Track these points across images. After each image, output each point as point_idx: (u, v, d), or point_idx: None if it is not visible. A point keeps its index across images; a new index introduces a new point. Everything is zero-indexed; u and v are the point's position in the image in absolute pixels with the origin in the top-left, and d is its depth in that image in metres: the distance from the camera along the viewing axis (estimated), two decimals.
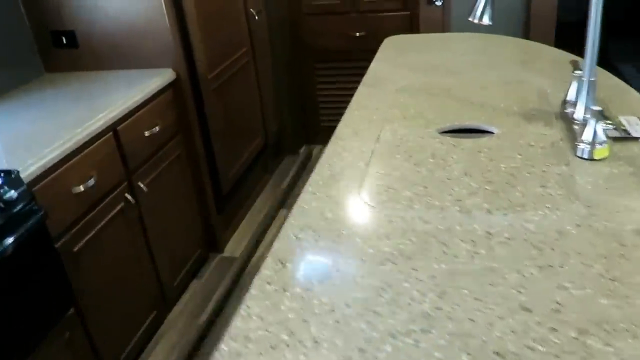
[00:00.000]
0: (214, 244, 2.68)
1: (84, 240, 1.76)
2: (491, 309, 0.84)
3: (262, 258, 2.68)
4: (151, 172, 2.14)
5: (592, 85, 1.35)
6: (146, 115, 2.10)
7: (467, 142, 1.39)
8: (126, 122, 1.98)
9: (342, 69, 3.59)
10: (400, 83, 1.81)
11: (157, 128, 2.14)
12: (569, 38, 2.99)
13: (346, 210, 1.12)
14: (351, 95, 3.63)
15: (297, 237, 1.05)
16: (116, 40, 2.29)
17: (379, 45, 3.61)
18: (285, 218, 2.97)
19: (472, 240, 1.00)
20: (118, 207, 1.93)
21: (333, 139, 1.46)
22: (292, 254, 1.01)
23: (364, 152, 1.36)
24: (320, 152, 3.84)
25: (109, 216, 1.88)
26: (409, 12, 3.38)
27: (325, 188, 1.21)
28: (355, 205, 1.14)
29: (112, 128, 1.91)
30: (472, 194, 1.15)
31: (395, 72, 1.91)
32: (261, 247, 2.79)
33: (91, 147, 1.79)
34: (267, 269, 0.97)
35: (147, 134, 2.09)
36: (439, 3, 2.75)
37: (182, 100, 2.34)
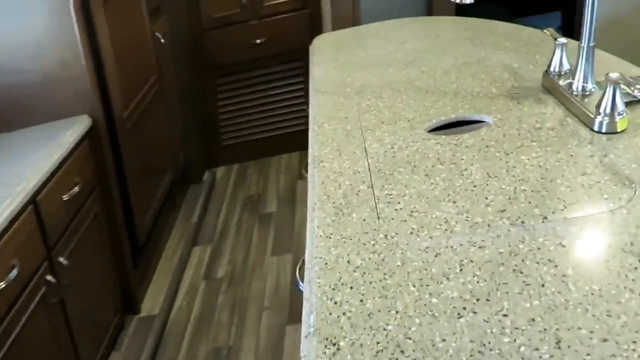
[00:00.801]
0: (130, 304, 2.33)
1: (5, 347, 1.41)
2: (631, 349, 0.66)
3: (183, 310, 2.40)
4: (71, 242, 1.81)
5: (591, 52, 1.21)
6: (65, 175, 1.77)
7: (467, 137, 1.21)
8: (46, 189, 1.64)
9: (242, 81, 3.37)
10: (356, 84, 1.61)
11: (77, 188, 1.81)
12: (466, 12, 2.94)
13: (377, 252, 0.90)
14: (253, 107, 3.43)
15: (334, 302, 0.82)
16: (23, 95, 1.93)
17: (280, 50, 3.41)
18: (200, 256, 2.71)
19: (549, 260, 0.81)
20: (39, 295, 1.60)
21: (314, 162, 1.23)
22: (338, 326, 0.77)
23: (359, 172, 1.14)
24: (223, 174, 3.59)
25: (31, 308, 1.54)
26: (309, 10, 3.21)
27: (337, 227, 0.98)
28: (384, 243, 0.92)
29: (32, 200, 1.57)
30: (513, 200, 0.97)
31: (345, 73, 1.70)
32: (180, 295, 2.50)
33: (12, 229, 1.45)
34: (317, 355, 0.73)
35: (65, 197, 1.75)
36: None
37: (99, 149, 2.02)
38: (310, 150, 1.29)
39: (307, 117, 3.34)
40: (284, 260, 2.59)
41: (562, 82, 1.32)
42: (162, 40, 2.74)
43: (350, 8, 2.66)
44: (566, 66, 1.37)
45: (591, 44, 1.23)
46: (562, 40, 1.36)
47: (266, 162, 3.51)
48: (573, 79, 1.28)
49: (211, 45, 3.23)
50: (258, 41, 3.24)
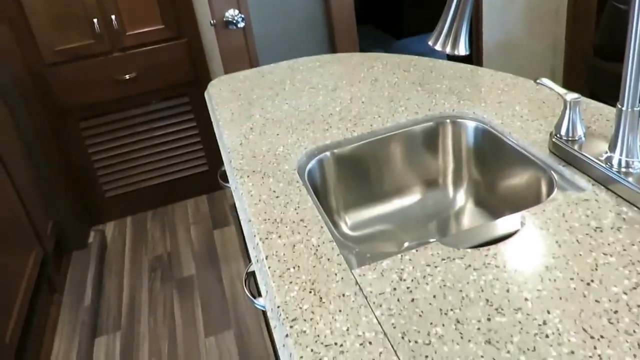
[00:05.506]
0: None
1: None
2: None
3: None
4: None
5: (637, 118, 0.89)
6: None
7: (504, 247, 0.82)
8: None
9: (116, 123, 2.83)
10: (295, 156, 1.16)
11: None
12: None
13: None
14: (137, 151, 2.85)
15: None
16: None
17: (158, 85, 2.84)
18: (107, 352, 2.08)
19: None
20: None
21: (276, 318, 0.76)
22: None
23: (368, 343, 0.70)
24: (114, 230, 2.95)
25: None
26: (186, 39, 2.72)
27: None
28: None
29: None
30: None
31: (272, 139, 1.25)
32: None
33: None
34: None
35: None
36: (241, 25, 2.12)
37: None
38: (263, 287, 0.82)
39: (205, 156, 2.81)
40: (225, 340, 2.03)
41: (589, 154, 0.99)
42: None
43: (242, 39, 2.20)
44: (580, 131, 1.05)
45: (636, 108, 0.90)
46: (573, 96, 1.03)
47: (169, 211, 2.95)
48: (612, 151, 0.95)
49: (60, 83, 2.61)
50: (127, 76, 2.69)
